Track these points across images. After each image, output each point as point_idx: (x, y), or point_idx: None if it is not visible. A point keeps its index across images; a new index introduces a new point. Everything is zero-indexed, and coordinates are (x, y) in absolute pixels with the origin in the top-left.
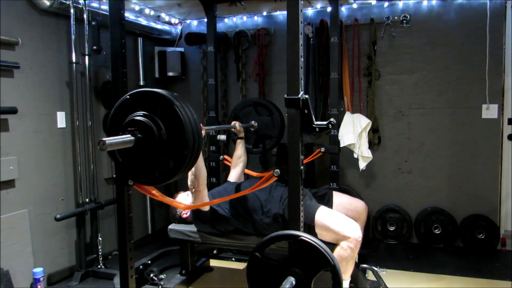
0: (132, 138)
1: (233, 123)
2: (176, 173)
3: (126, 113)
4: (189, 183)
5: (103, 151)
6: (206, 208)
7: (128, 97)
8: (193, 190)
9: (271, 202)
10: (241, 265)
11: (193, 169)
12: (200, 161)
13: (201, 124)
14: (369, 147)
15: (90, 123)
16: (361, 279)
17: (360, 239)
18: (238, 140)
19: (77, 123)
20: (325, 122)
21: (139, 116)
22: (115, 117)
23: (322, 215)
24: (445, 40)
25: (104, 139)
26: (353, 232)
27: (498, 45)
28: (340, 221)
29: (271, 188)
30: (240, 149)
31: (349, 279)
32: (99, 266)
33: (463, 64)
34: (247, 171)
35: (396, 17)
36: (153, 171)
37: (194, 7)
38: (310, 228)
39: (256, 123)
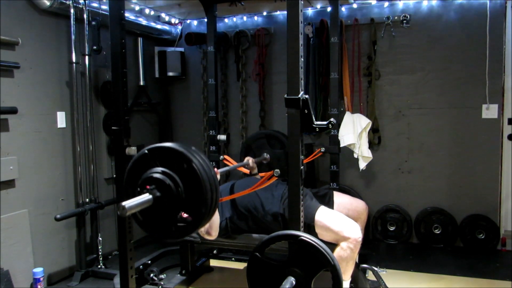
0: (151, 197)
1: (246, 159)
2: (193, 229)
3: (143, 167)
4: (201, 228)
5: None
6: (213, 237)
7: (146, 151)
8: (204, 232)
9: (271, 201)
10: (241, 265)
11: None
12: None
13: (215, 169)
14: (369, 147)
15: (90, 123)
16: (361, 279)
17: (360, 239)
18: (253, 177)
19: (77, 123)
20: (325, 122)
21: (157, 173)
22: (132, 170)
23: (322, 215)
24: (445, 40)
25: (123, 203)
26: (353, 232)
27: (498, 45)
28: (340, 221)
29: (272, 187)
30: None
31: (350, 279)
32: (99, 266)
33: (463, 64)
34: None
35: (396, 17)
36: (170, 226)
37: (194, 7)
38: (310, 228)
39: (269, 155)
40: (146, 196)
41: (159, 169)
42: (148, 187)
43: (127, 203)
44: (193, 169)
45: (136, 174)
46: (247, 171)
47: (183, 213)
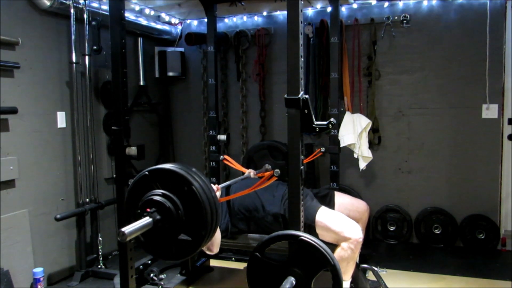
0: (150, 220)
1: (247, 172)
2: (193, 251)
3: (144, 189)
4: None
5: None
6: (213, 253)
7: (146, 173)
8: (205, 249)
9: (272, 202)
10: (241, 265)
11: None
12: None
13: (216, 185)
14: (369, 147)
15: (90, 123)
16: (361, 279)
17: (361, 240)
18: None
19: (77, 123)
20: (325, 122)
21: (157, 195)
22: (133, 191)
23: (323, 215)
24: (445, 40)
25: (123, 229)
26: (354, 233)
27: (498, 45)
28: (340, 221)
29: (273, 188)
30: None
31: (350, 280)
32: (99, 266)
33: (463, 64)
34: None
35: (396, 17)
36: (170, 247)
37: (194, 7)
38: (310, 228)
39: (270, 166)
40: (146, 220)
41: (159, 191)
42: (148, 210)
43: (127, 229)
44: (193, 192)
45: (137, 195)
46: (245, 170)
47: None
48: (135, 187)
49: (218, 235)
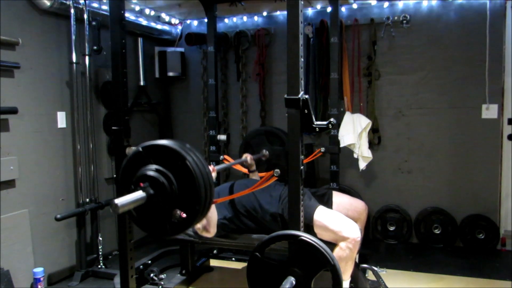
0: (144, 194)
1: (244, 156)
2: (188, 226)
3: (138, 165)
4: (198, 225)
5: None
6: (211, 235)
7: (140, 149)
8: (201, 229)
9: (270, 201)
10: (241, 265)
11: None
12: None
13: (212, 166)
14: (369, 147)
15: (90, 123)
16: (361, 279)
17: (359, 239)
18: (251, 174)
19: (77, 123)
20: (325, 122)
21: (151, 170)
22: (127, 168)
23: (321, 215)
24: (445, 40)
25: (115, 201)
26: (352, 232)
27: (498, 45)
28: (339, 221)
29: (270, 188)
30: None
31: (349, 279)
32: (99, 266)
33: (463, 64)
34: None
35: (396, 17)
36: (164, 223)
37: (194, 7)
38: (308, 228)
39: (267, 152)
40: (140, 194)
41: (153, 166)
42: (141, 184)
43: (120, 201)
44: (186, 166)
45: (131, 172)
46: (246, 170)
47: (182, 213)
48: (129, 164)
49: (214, 214)
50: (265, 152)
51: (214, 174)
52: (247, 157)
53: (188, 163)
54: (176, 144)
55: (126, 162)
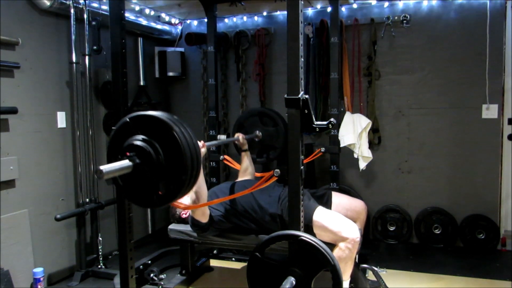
0: (130, 163)
1: (236, 135)
2: (174, 197)
3: (126, 136)
4: (189, 200)
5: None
6: (205, 220)
7: (127, 120)
8: (191, 202)
9: (268, 201)
10: (241, 265)
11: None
12: (201, 178)
13: (202, 142)
14: (369, 147)
15: (90, 123)
16: (361, 279)
17: (359, 239)
18: (243, 153)
19: (77, 123)
20: (325, 122)
21: (138, 140)
22: (115, 139)
23: (320, 215)
24: (445, 40)
25: (101, 167)
26: (351, 232)
27: (498, 45)
28: (338, 221)
29: (269, 189)
30: (245, 161)
31: (349, 279)
32: (99, 266)
33: (463, 64)
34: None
35: (396, 17)
36: (151, 194)
37: (194, 7)
38: (308, 228)
39: (261, 133)
40: (126, 162)
41: (140, 136)
42: (128, 154)
43: (105, 167)
44: (173, 137)
45: (119, 143)
46: (238, 166)
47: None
48: (116, 134)
49: (203, 186)
50: (258, 133)
51: (203, 150)
52: (239, 136)
53: (175, 133)
54: (163, 114)
55: (114, 133)
